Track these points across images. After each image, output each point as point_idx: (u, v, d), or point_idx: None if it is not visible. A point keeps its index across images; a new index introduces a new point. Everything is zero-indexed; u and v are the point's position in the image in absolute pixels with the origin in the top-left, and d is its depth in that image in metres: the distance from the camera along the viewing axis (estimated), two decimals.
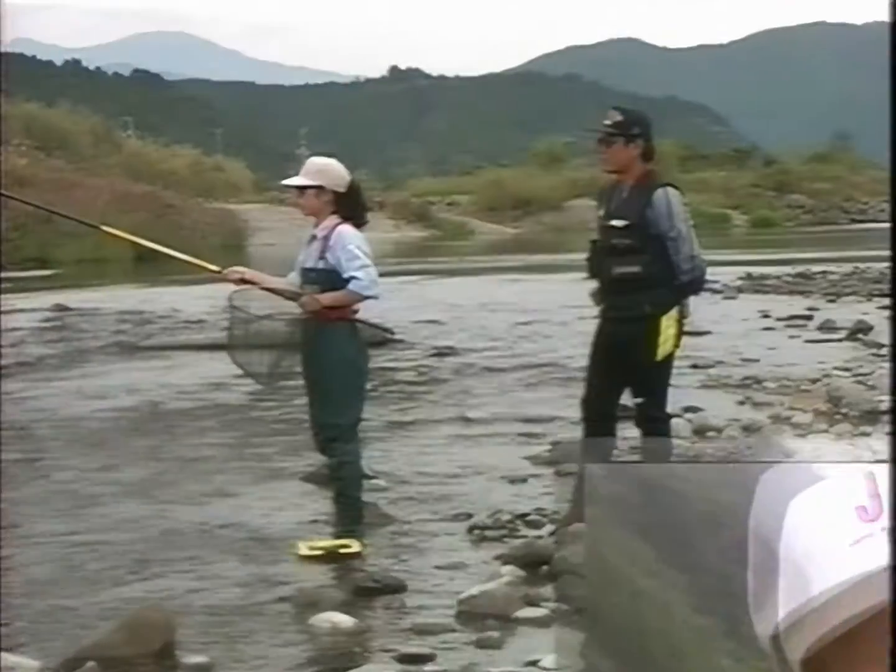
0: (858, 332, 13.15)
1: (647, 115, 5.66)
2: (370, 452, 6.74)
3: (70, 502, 6.44)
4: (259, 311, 5.52)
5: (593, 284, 5.63)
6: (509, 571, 4.97)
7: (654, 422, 5.65)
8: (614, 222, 5.44)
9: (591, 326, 5.82)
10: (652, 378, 5.53)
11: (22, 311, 17.69)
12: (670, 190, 5.44)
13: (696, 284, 5.52)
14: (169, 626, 4.23)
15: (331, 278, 5.52)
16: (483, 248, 37.88)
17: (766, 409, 8.68)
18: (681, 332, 5.48)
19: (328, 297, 5.51)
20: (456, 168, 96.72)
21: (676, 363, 11.26)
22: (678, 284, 5.41)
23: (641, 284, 5.35)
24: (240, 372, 5.74)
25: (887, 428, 7.33)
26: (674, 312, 5.42)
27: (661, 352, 5.40)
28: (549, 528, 5.58)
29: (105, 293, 21.82)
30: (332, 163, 5.71)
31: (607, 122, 5.48)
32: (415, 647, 4.20)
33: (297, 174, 5.79)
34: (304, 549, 5.33)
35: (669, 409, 8.46)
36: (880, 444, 6.90)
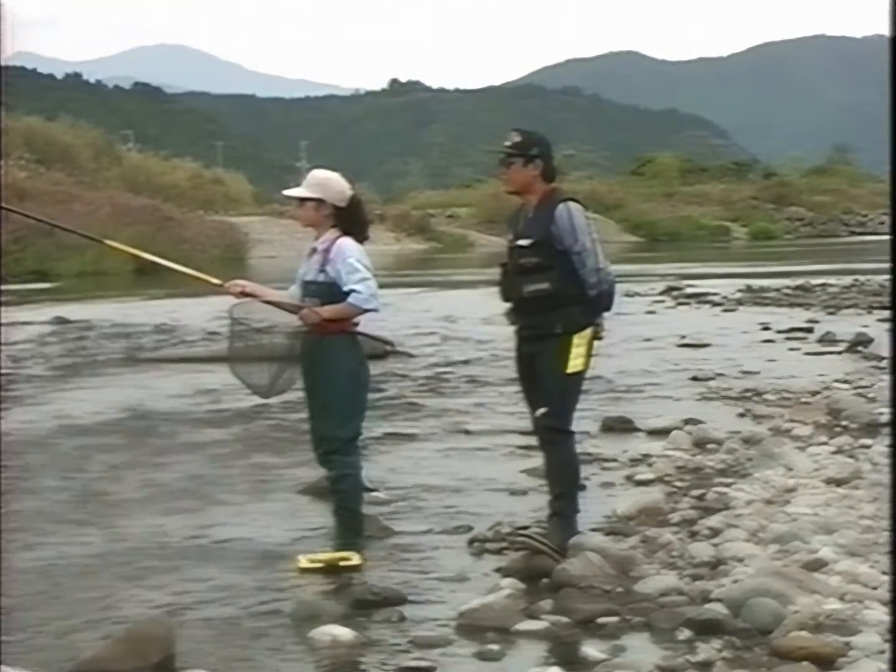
0: (858, 344, 13.16)
1: (546, 136, 5.63)
2: (370, 465, 6.74)
3: (68, 513, 6.44)
4: (260, 323, 5.53)
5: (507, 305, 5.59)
6: (509, 584, 4.96)
7: (549, 433, 5.46)
8: (521, 242, 5.43)
9: None
10: (555, 390, 5.39)
11: (22, 323, 17.70)
12: (571, 204, 5.41)
13: (606, 299, 5.43)
14: (168, 639, 4.22)
15: (331, 291, 5.53)
16: (483, 260, 37.89)
17: (767, 421, 8.68)
18: (591, 353, 5.42)
19: (328, 310, 5.52)
20: (456, 181, 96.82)
21: (675, 375, 11.38)
22: (588, 301, 5.37)
23: (553, 303, 5.31)
24: (240, 384, 5.73)
25: (888, 440, 7.32)
26: (587, 332, 5.39)
27: (571, 366, 5.34)
28: None
29: (105, 306, 21.82)
30: (334, 177, 5.71)
31: (507, 143, 5.48)
32: (415, 660, 4.19)
33: (297, 186, 5.80)
34: (303, 562, 5.32)
35: (669, 421, 8.55)
36: (881, 457, 6.90)
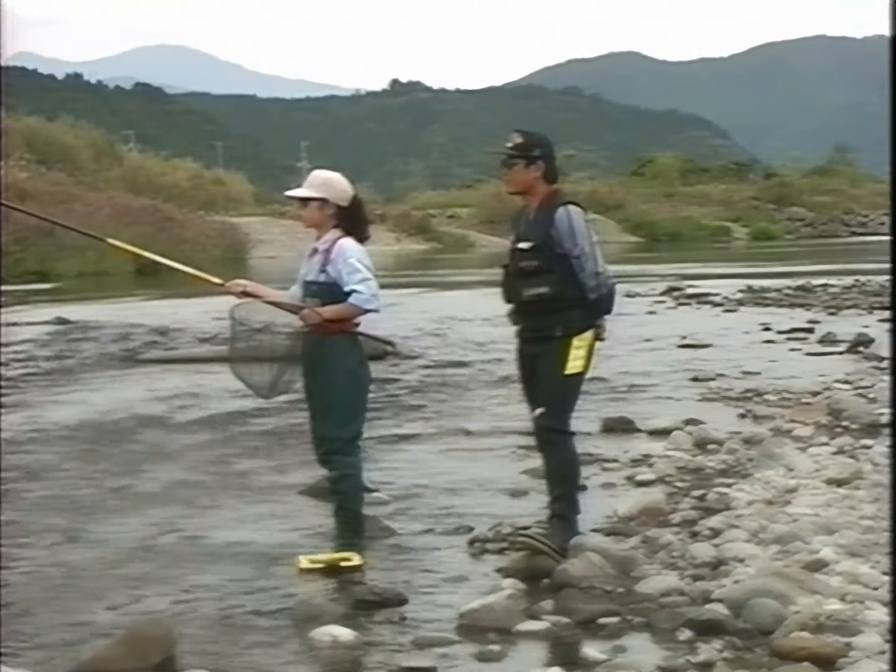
0: (859, 344, 13.15)
1: (548, 137, 5.63)
2: (371, 465, 6.73)
3: (68, 515, 6.43)
4: (261, 324, 5.52)
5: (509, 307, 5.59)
6: (510, 584, 4.96)
7: (547, 433, 5.44)
8: (521, 245, 5.44)
9: None
10: (553, 390, 5.39)
11: (23, 324, 17.70)
12: (571, 207, 5.39)
13: (605, 303, 5.42)
14: (169, 640, 4.22)
15: (332, 291, 5.53)
16: (483, 260, 37.94)
17: (767, 421, 8.68)
18: (591, 355, 5.41)
19: (329, 311, 5.52)
20: (457, 181, 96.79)
21: (676, 375, 11.38)
22: (588, 304, 5.36)
23: (553, 306, 5.31)
24: (241, 385, 5.73)
25: (888, 441, 7.32)
26: (588, 335, 5.37)
27: (570, 368, 5.33)
28: None
29: (106, 306, 21.83)
30: (336, 176, 5.72)
31: (508, 144, 5.47)
32: (416, 660, 4.19)
33: (298, 186, 5.80)
34: (304, 563, 5.32)
35: (670, 422, 8.55)
36: (882, 457, 6.90)
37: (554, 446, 5.46)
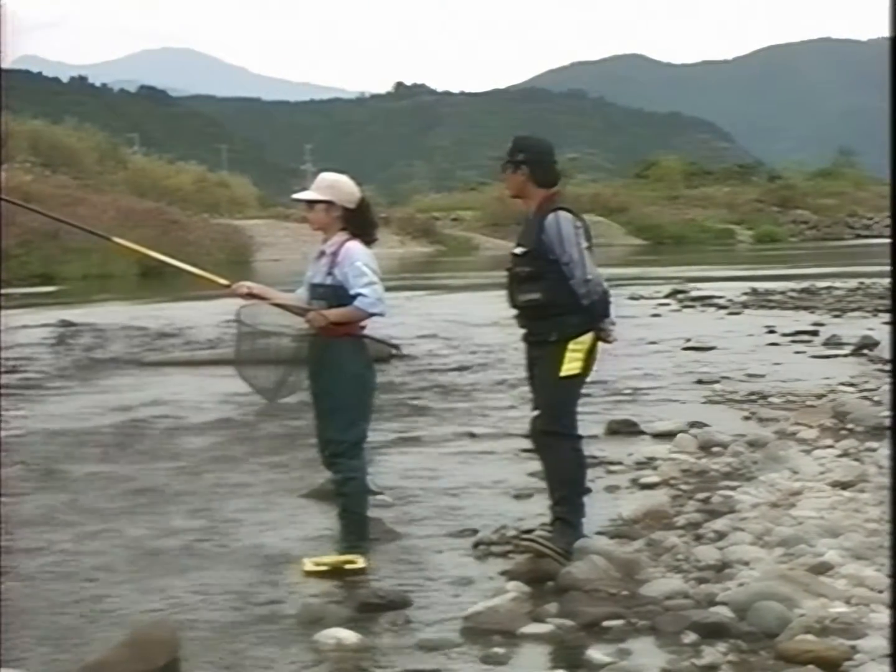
0: (864, 347, 13.13)
1: (543, 142, 5.62)
2: (375, 468, 6.73)
3: (73, 517, 6.44)
4: (266, 326, 5.53)
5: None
6: (515, 587, 4.96)
7: (542, 436, 5.45)
8: (516, 250, 5.46)
9: None
10: (548, 394, 5.39)
11: (27, 326, 17.71)
12: (560, 213, 5.36)
13: (600, 307, 5.39)
14: (173, 642, 4.22)
15: (338, 294, 5.53)
16: (487, 263, 37.96)
17: (772, 424, 8.67)
18: (591, 358, 5.41)
19: (335, 313, 5.52)
20: (460, 184, 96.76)
21: (681, 378, 11.38)
22: (583, 309, 5.34)
23: (546, 312, 5.31)
24: (246, 387, 5.73)
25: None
26: (586, 338, 5.35)
27: (565, 370, 5.32)
28: None
29: (110, 309, 21.84)
30: (343, 179, 5.73)
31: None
32: (420, 663, 4.19)
33: (302, 189, 5.80)
34: (308, 565, 5.33)
35: (674, 424, 8.55)
36: (886, 460, 6.89)
37: (549, 449, 5.46)
